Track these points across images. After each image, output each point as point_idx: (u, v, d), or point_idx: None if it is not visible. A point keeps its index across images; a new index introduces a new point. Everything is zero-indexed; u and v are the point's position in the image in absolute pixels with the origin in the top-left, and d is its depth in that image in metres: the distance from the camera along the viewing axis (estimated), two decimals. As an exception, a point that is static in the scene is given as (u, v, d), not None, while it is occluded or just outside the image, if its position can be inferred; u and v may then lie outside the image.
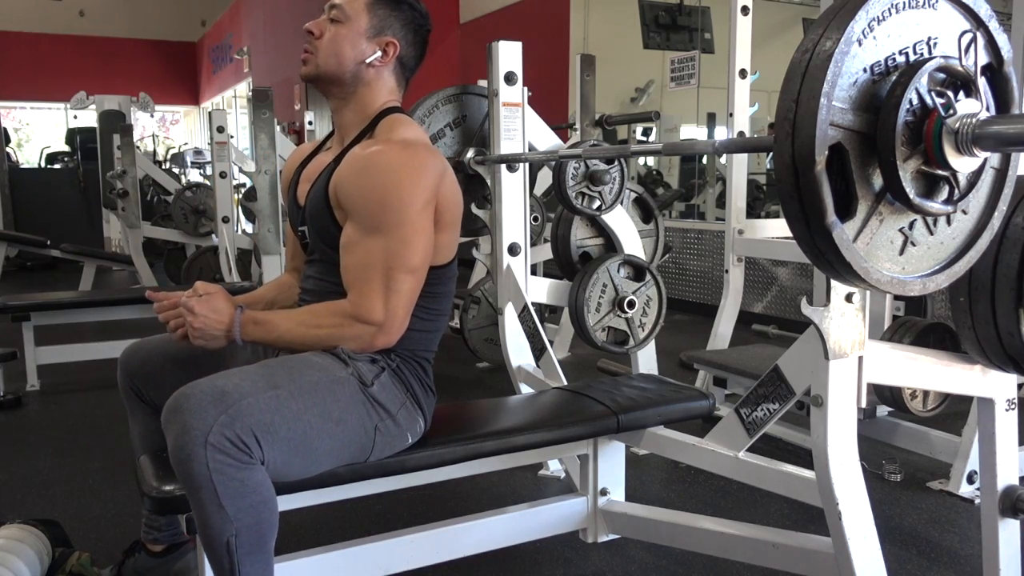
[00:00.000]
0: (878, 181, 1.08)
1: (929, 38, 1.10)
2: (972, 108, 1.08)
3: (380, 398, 1.45)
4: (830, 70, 1.01)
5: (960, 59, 1.11)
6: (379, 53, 1.54)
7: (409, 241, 1.42)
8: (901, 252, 1.14)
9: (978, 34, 1.12)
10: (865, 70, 1.06)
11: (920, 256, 1.17)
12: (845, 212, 1.06)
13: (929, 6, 1.10)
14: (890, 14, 1.06)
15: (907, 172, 1.07)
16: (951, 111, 1.06)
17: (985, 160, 1.14)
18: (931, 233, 1.17)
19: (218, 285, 1.51)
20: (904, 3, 1.07)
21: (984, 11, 1.13)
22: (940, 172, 1.09)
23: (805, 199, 1.03)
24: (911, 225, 1.14)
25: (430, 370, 1.60)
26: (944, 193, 1.12)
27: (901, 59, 1.09)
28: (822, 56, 1.02)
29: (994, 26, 1.14)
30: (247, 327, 1.44)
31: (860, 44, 1.04)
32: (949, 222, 1.18)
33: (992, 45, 1.14)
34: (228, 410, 1.25)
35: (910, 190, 1.07)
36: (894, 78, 1.07)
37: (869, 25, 1.04)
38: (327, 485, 1.49)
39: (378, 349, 1.47)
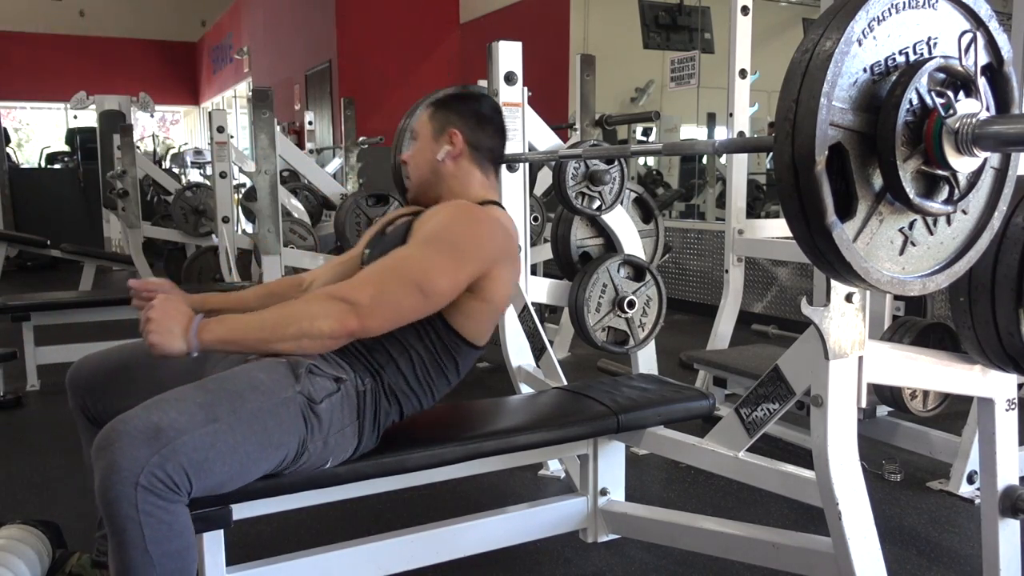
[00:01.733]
0: (878, 181, 1.09)
1: (929, 38, 1.10)
2: (972, 108, 1.08)
3: (323, 416, 1.40)
4: (830, 70, 1.01)
5: (960, 59, 1.11)
6: (447, 147, 1.68)
7: (435, 262, 1.46)
8: (901, 252, 1.14)
9: (978, 34, 1.12)
10: (865, 70, 1.06)
11: (920, 256, 1.17)
12: (845, 212, 1.07)
13: (929, 6, 1.10)
14: (890, 14, 1.06)
15: (907, 172, 1.07)
16: (951, 111, 1.06)
17: (985, 160, 1.14)
18: (931, 233, 1.17)
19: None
20: (904, 3, 1.07)
21: (984, 11, 1.13)
22: (940, 172, 1.09)
23: (805, 199, 1.03)
24: (911, 225, 1.14)
25: (394, 418, 1.55)
26: (944, 193, 1.12)
27: (901, 59, 1.09)
28: (822, 56, 1.02)
29: (994, 26, 1.14)
30: (207, 324, 1.34)
31: (860, 44, 1.04)
32: (949, 222, 1.18)
33: (992, 45, 1.14)
34: (162, 450, 1.19)
35: (910, 190, 1.07)
36: (894, 78, 1.07)
37: (869, 25, 1.04)
38: (327, 485, 1.49)
39: (349, 333, 1.38)
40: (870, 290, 1.17)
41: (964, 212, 1.19)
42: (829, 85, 1.01)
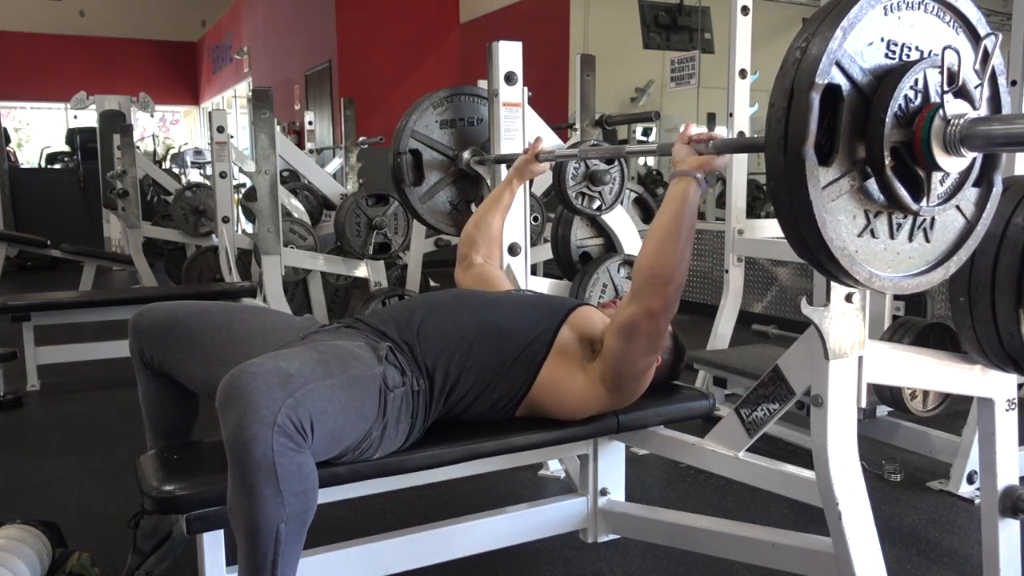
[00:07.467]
0: (861, 153, 1.09)
1: (944, 50, 1.12)
2: (968, 109, 1.09)
3: (390, 406, 1.45)
4: (852, 11, 1.03)
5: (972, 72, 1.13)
6: None
7: None
8: (860, 234, 1.13)
9: (986, 81, 1.14)
10: (883, 40, 1.08)
11: (874, 252, 1.15)
12: (824, 159, 1.07)
13: (952, 27, 1.13)
14: (919, 8, 1.10)
15: (890, 142, 1.07)
16: (948, 97, 1.08)
17: (969, 169, 1.15)
18: (891, 237, 1.16)
19: None
20: (935, 8, 1.11)
21: (998, 63, 1.15)
22: (919, 170, 1.10)
23: (791, 123, 1.04)
24: (876, 214, 1.14)
25: (431, 418, 1.58)
26: (915, 193, 1.12)
27: (915, 54, 1.11)
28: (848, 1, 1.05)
29: (1002, 83, 1.16)
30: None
31: (885, 14, 1.07)
32: (911, 238, 1.18)
33: (995, 100, 1.17)
34: (295, 393, 1.24)
35: (887, 160, 1.07)
36: (907, 59, 1.10)
37: (898, 4, 1.08)
38: (327, 485, 1.49)
39: (664, 302, 1.49)
40: (820, 255, 1.13)
41: (927, 240, 1.19)
42: (848, 23, 1.03)
